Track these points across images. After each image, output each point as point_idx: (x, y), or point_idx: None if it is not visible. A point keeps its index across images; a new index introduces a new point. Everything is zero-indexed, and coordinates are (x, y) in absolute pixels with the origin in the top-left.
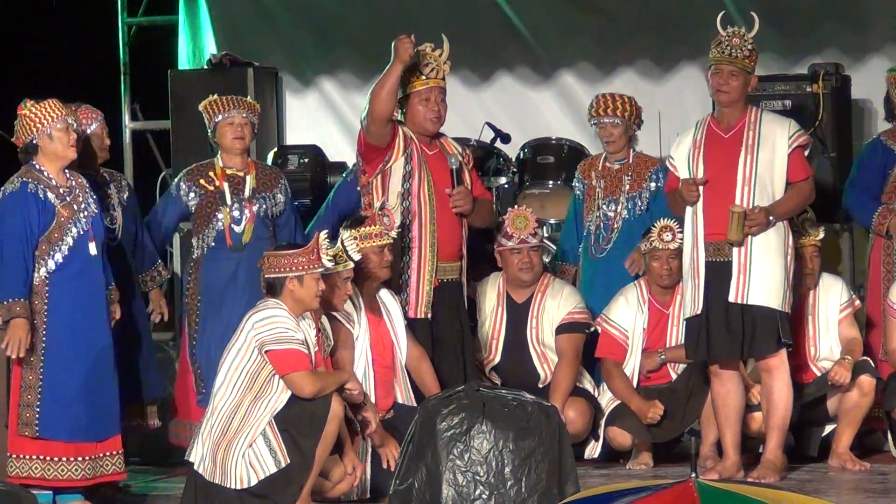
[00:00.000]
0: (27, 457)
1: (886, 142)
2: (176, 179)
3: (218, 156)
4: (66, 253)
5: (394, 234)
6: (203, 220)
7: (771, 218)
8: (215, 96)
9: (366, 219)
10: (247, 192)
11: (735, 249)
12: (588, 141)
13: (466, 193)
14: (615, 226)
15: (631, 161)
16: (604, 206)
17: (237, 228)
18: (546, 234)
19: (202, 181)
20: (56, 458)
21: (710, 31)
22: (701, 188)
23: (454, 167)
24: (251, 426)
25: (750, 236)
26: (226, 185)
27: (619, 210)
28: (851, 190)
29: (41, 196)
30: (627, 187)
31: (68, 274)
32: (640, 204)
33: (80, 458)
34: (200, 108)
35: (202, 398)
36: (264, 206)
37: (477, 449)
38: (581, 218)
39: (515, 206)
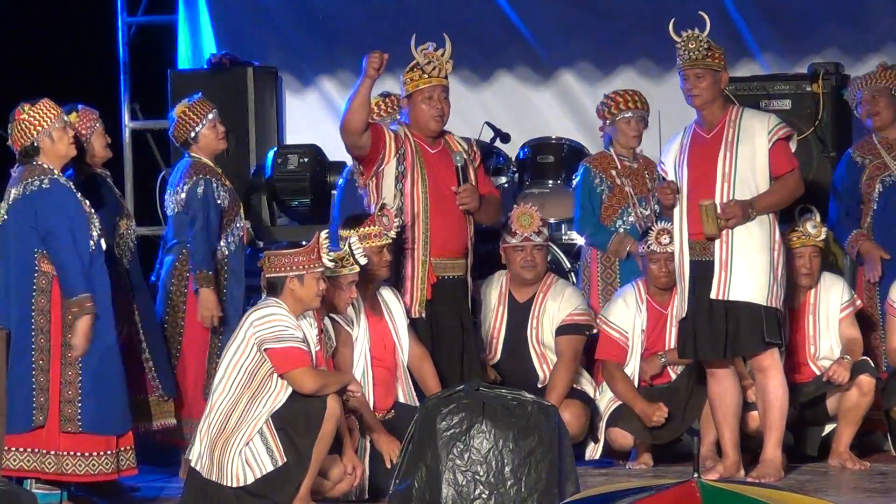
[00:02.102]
0: (62, 453)
1: (854, 155)
2: (201, 187)
3: (197, 158)
4: (94, 248)
5: (393, 234)
6: (229, 219)
7: (751, 211)
8: (185, 108)
9: (364, 218)
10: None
11: (716, 246)
12: (588, 141)
13: (473, 190)
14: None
15: (642, 159)
16: (640, 207)
17: (248, 225)
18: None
19: (223, 181)
20: (88, 454)
21: (710, 30)
22: (685, 189)
23: (459, 164)
24: (248, 424)
25: (731, 231)
26: (229, 184)
27: (653, 208)
28: (833, 206)
29: (72, 190)
30: (650, 185)
31: (97, 268)
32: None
33: (108, 452)
34: (177, 113)
35: None
36: None
37: (477, 448)
38: (598, 211)
39: (521, 204)
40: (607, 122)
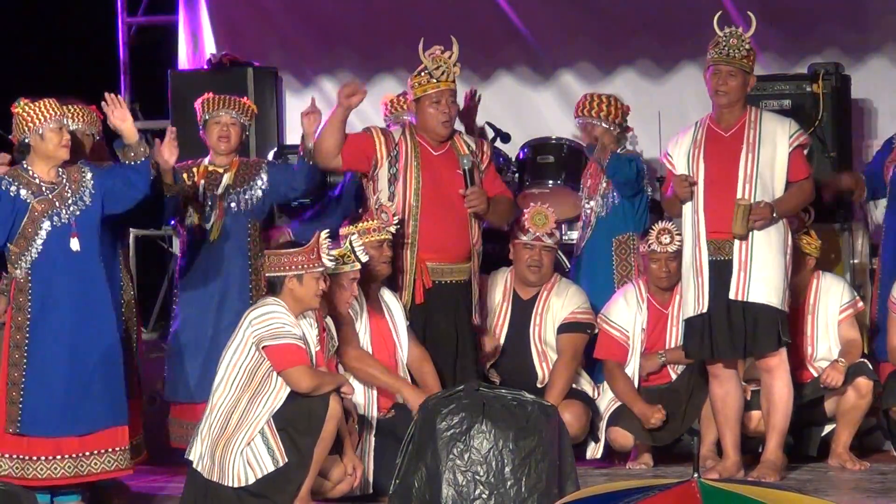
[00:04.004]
0: (6, 455)
1: (894, 138)
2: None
3: (210, 154)
4: (41, 248)
5: (392, 229)
6: (183, 216)
7: (774, 214)
8: (209, 94)
9: (362, 215)
10: (220, 189)
11: (735, 247)
12: None
13: (480, 193)
14: (591, 222)
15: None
16: (584, 204)
17: (206, 225)
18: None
19: (184, 176)
20: (36, 457)
21: (710, 30)
22: (702, 186)
23: (466, 167)
24: (249, 424)
25: (752, 233)
26: (202, 182)
27: (593, 207)
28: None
29: (13, 191)
30: (604, 185)
31: (49, 269)
32: (612, 199)
33: (59, 457)
34: (196, 105)
35: (168, 390)
36: (236, 202)
37: (477, 448)
38: None
39: (539, 203)
40: (577, 122)
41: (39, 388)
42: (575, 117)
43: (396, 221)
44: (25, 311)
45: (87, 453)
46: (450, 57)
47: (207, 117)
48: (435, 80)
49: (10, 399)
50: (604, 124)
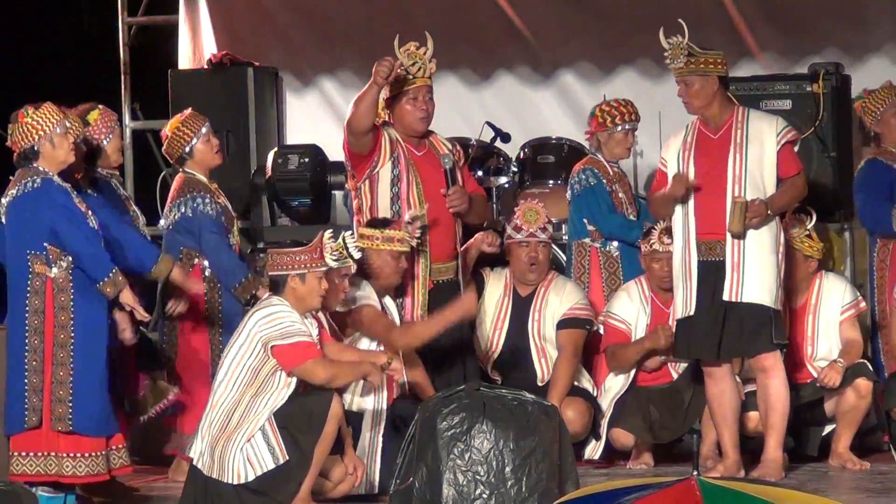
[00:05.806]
0: (61, 455)
1: (884, 160)
2: (196, 204)
3: (191, 174)
4: None
5: (414, 243)
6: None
7: (769, 211)
8: (180, 117)
9: (391, 221)
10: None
11: (728, 248)
12: None
13: (462, 192)
14: None
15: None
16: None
17: (234, 240)
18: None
19: (216, 197)
20: (86, 454)
21: (710, 31)
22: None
23: (447, 167)
24: (250, 422)
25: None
26: (223, 199)
27: (630, 212)
28: (862, 198)
29: (65, 189)
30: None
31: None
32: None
33: (101, 453)
34: (168, 131)
35: None
36: None
37: (477, 448)
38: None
39: (528, 200)
40: (606, 131)
41: (87, 387)
42: (610, 127)
43: (418, 236)
44: (69, 310)
45: (112, 448)
46: (425, 53)
47: (200, 136)
48: (412, 77)
49: (55, 397)
50: (637, 125)
